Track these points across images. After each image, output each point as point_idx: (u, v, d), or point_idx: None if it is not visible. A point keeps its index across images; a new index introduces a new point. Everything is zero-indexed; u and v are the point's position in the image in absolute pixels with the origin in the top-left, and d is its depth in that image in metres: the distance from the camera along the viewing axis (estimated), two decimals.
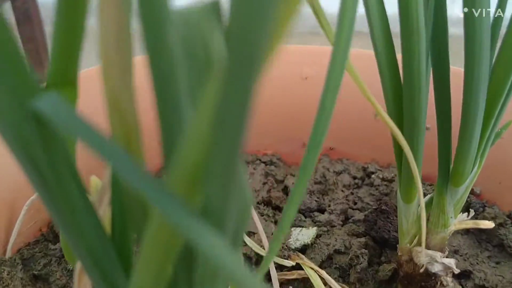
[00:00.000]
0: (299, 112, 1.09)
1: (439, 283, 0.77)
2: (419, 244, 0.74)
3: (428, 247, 0.73)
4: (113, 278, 0.30)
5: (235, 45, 0.16)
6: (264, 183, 1.05)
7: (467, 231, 0.94)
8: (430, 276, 0.75)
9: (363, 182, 1.05)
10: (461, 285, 0.85)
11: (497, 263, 0.90)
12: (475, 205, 0.95)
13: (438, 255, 0.70)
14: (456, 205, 0.70)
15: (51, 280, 0.83)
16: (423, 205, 0.69)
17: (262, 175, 1.07)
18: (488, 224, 0.72)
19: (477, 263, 0.88)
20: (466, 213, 0.76)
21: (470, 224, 0.71)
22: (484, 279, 0.84)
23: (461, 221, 0.74)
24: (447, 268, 0.71)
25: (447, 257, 0.74)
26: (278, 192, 1.01)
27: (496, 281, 0.85)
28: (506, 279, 0.86)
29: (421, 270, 0.71)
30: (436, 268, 0.71)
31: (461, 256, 0.89)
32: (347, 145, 1.09)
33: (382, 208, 0.87)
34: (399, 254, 0.78)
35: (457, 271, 0.71)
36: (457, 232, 0.94)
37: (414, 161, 0.62)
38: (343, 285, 0.82)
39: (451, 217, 0.71)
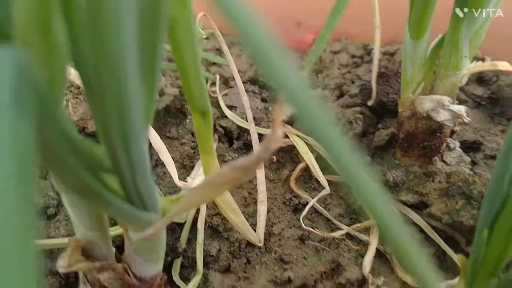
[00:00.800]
0: None
1: (444, 144, 0.67)
2: (423, 93, 0.64)
3: (434, 94, 0.63)
4: None
5: None
6: (252, 64, 0.95)
7: (478, 104, 0.83)
8: (434, 134, 0.64)
9: (362, 61, 0.94)
10: (469, 157, 0.74)
11: None
12: (488, 74, 0.83)
13: (446, 100, 0.59)
14: (473, 40, 0.58)
15: None
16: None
17: (250, 56, 0.97)
18: (507, 66, 0.60)
19: (488, 135, 0.78)
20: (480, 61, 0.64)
21: (488, 66, 0.60)
22: (497, 150, 0.74)
23: (474, 66, 0.62)
24: (456, 116, 0.60)
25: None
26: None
27: None
28: None
29: (424, 115, 0.60)
30: (442, 116, 0.60)
31: (473, 130, 0.79)
32: (346, 23, 0.97)
33: (381, 71, 0.76)
34: (400, 110, 0.67)
35: (467, 119, 0.60)
36: (467, 105, 0.83)
37: None
38: None
39: (465, 56, 0.59)
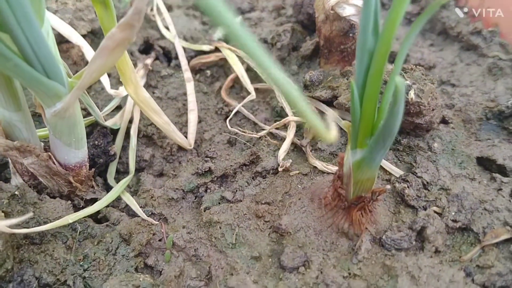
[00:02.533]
0: None
1: None
2: None
3: None
4: None
5: None
6: None
7: (409, 21, 0.86)
8: (347, 35, 0.67)
9: None
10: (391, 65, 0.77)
11: (441, 50, 0.82)
12: None
13: None
14: None
15: None
16: None
17: None
18: None
19: (416, 48, 0.81)
20: None
21: None
22: (421, 59, 0.77)
23: None
24: (360, 11, 0.63)
25: None
26: None
27: (434, 61, 0.77)
28: (446, 61, 0.79)
29: (332, 12, 0.63)
30: (347, 11, 0.63)
31: (401, 43, 0.82)
32: None
33: None
34: (316, 16, 0.70)
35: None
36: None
37: None
38: None
39: None
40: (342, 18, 0.64)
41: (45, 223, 0.55)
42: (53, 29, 0.73)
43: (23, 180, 0.59)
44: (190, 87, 0.72)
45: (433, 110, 0.57)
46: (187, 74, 0.74)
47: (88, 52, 0.72)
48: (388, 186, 0.51)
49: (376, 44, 0.44)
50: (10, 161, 0.59)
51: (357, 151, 0.46)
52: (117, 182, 0.65)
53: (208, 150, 0.65)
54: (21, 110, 0.54)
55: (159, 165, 0.68)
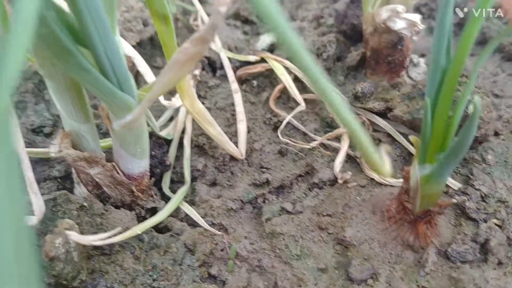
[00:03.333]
0: None
1: (408, 59, 0.72)
2: (381, 6, 0.68)
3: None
4: None
5: None
6: (234, 2, 0.98)
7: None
8: (396, 47, 0.69)
9: None
10: None
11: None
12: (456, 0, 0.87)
13: (399, 7, 0.63)
14: None
15: None
16: None
17: None
18: None
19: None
20: None
21: None
22: (464, 69, 0.78)
23: None
24: (411, 24, 0.65)
25: None
26: (246, 4, 0.94)
27: (477, 71, 0.79)
28: (488, 71, 0.80)
29: (382, 26, 0.65)
30: (398, 25, 0.64)
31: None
32: None
33: None
34: (364, 28, 0.71)
35: (422, 26, 0.64)
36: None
37: None
38: None
39: None
40: (392, 31, 0.66)
41: (114, 235, 0.57)
42: None
43: (87, 189, 0.61)
44: (238, 98, 0.74)
45: (488, 123, 0.59)
46: (234, 86, 0.76)
47: (140, 62, 0.74)
48: (454, 200, 0.53)
49: (449, 63, 0.46)
50: (74, 171, 0.61)
51: (426, 166, 0.48)
52: (171, 191, 0.67)
53: (262, 161, 0.67)
54: (89, 122, 0.55)
55: (212, 174, 0.70)
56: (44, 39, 0.37)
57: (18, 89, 0.76)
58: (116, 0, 0.50)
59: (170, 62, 0.46)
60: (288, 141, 0.68)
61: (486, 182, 0.58)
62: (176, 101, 0.73)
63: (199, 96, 0.77)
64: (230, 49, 0.84)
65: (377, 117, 0.67)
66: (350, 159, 0.66)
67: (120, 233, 0.56)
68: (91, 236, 0.48)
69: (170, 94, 0.76)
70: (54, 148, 0.50)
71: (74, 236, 0.47)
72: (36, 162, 0.63)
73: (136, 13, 0.82)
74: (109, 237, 0.53)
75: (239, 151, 0.70)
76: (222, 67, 0.83)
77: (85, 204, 0.58)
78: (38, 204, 0.50)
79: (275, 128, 0.74)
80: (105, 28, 0.42)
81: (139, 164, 0.60)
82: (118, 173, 0.59)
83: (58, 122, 0.72)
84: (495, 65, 0.81)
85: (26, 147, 0.63)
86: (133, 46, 0.79)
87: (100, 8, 0.40)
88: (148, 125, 0.68)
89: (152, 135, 0.70)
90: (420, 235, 0.52)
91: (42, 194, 0.61)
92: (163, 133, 0.71)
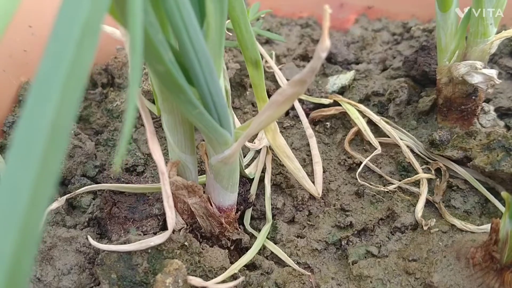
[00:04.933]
0: None
1: (480, 108, 0.75)
2: (458, 60, 0.72)
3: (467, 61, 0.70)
4: None
5: None
6: (300, 43, 1.03)
7: (511, 76, 0.90)
8: (470, 97, 0.72)
9: (402, 38, 1.01)
10: (503, 121, 0.82)
11: None
12: None
13: (478, 64, 0.67)
14: (496, 7, 0.66)
15: (92, 120, 0.85)
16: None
17: (297, 36, 1.05)
18: None
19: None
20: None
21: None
22: None
23: (501, 33, 0.70)
24: (488, 79, 0.68)
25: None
26: (312, 44, 0.99)
27: None
28: None
29: (460, 79, 0.68)
30: (476, 79, 0.68)
31: (508, 98, 0.86)
32: (386, 2, 1.05)
33: (423, 45, 0.84)
34: (438, 77, 0.75)
35: (498, 81, 0.68)
36: (501, 76, 0.91)
37: None
38: (384, 118, 0.81)
39: (491, 24, 0.67)
40: (467, 83, 0.69)
41: (210, 271, 0.61)
42: None
43: (183, 218, 0.66)
44: (313, 142, 0.78)
45: None
46: (309, 131, 0.80)
47: None
48: None
49: None
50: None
51: None
52: (252, 227, 0.71)
53: (341, 202, 0.71)
54: (194, 154, 0.61)
55: (290, 212, 0.74)
56: (161, 76, 0.42)
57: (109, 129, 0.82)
58: (223, 46, 0.56)
59: (268, 103, 0.50)
60: (365, 183, 0.72)
61: None
62: (258, 142, 0.78)
63: None
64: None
65: (455, 164, 0.70)
66: (428, 204, 0.69)
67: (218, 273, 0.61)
68: (203, 281, 0.53)
69: (252, 137, 0.81)
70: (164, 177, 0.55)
71: (194, 280, 0.51)
72: (137, 200, 0.68)
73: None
74: (217, 283, 0.57)
75: (316, 189, 0.74)
76: (293, 107, 0.88)
77: (186, 243, 0.63)
78: (172, 217, 0.55)
79: (350, 169, 0.78)
80: (210, 69, 0.47)
81: (229, 197, 0.65)
82: (211, 204, 0.64)
83: (149, 160, 0.77)
84: None
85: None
86: None
87: (205, 51, 0.45)
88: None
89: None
90: (506, 284, 0.54)
91: (145, 233, 0.66)
92: (246, 172, 0.76)
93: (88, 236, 0.63)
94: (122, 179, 0.71)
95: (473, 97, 0.72)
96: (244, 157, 0.77)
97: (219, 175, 0.62)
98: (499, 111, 0.83)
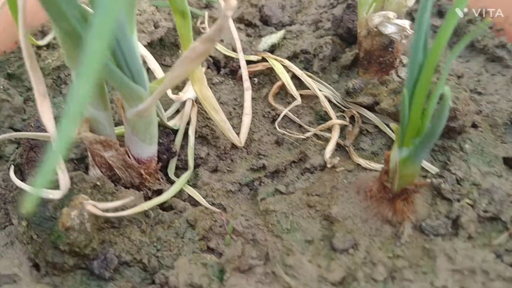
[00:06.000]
0: None
1: (398, 60, 0.78)
2: (375, 11, 0.74)
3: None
4: None
5: None
6: (239, 7, 1.05)
7: (434, 33, 0.93)
8: (387, 49, 0.75)
9: (338, 2, 1.04)
10: None
11: (467, 61, 0.89)
12: (444, 6, 0.93)
13: (390, 14, 0.70)
14: None
15: (24, 77, 0.87)
16: None
17: (237, 0, 1.07)
18: None
19: (443, 59, 0.88)
20: None
21: None
22: (450, 69, 0.84)
23: None
24: (401, 29, 0.71)
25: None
26: (250, 9, 1.01)
27: (462, 71, 0.85)
28: (472, 71, 0.86)
29: (375, 30, 0.71)
30: (389, 29, 0.71)
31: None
32: None
33: (349, 3, 0.87)
34: (358, 31, 0.78)
35: (410, 31, 0.70)
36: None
37: None
38: (307, 72, 0.84)
39: None
40: (383, 34, 0.72)
41: (123, 210, 0.63)
42: None
43: (101, 171, 0.68)
44: (248, 95, 0.80)
45: (465, 115, 0.65)
46: (247, 84, 0.82)
47: (150, 60, 0.81)
48: (429, 180, 0.59)
49: (425, 59, 0.52)
50: (90, 154, 0.67)
51: (404, 149, 0.54)
52: (176, 177, 0.73)
53: (260, 149, 0.73)
54: (107, 110, 0.62)
55: (213, 162, 0.76)
56: (69, 34, 0.44)
57: None
58: (135, 2, 0.57)
59: (180, 58, 0.53)
60: (285, 132, 0.75)
61: (462, 167, 0.64)
62: (183, 95, 0.80)
63: None
64: (234, 50, 0.91)
65: (366, 110, 0.73)
66: (340, 148, 0.72)
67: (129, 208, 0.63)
68: (102, 204, 0.55)
69: (178, 89, 0.83)
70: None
71: (90, 204, 0.53)
72: None
73: (148, 16, 0.89)
74: (120, 210, 0.59)
75: (239, 139, 0.76)
76: (226, 65, 0.90)
77: (98, 183, 0.65)
78: (65, 179, 0.57)
79: (273, 121, 0.80)
80: (122, 26, 0.49)
81: (148, 150, 0.67)
82: (129, 157, 0.66)
83: None
84: (480, 66, 0.86)
85: None
86: (145, 46, 0.86)
87: (113, 4, 0.47)
88: (157, 115, 0.74)
89: (160, 125, 0.77)
90: (398, 211, 0.57)
91: None
92: (170, 124, 0.77)
93: (11, 171, 0.64)
94: (42, 127, 0.72)
95: (390, 49, 0.75)
96: (168, 109, 0.79)
97: (136, 128, 0.63)
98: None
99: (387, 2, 0.73)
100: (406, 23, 0.71)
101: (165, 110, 0.79)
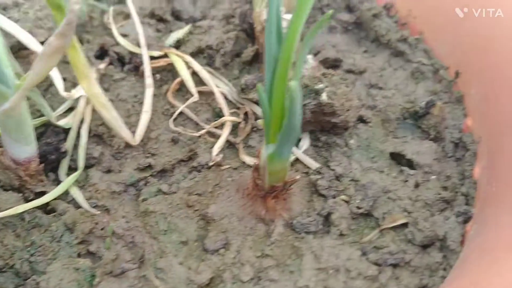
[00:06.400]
0: None
1: None
2: (266, 6, 0.73)
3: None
4: None
5: None
6: (154, 1, 1.03)
7: (346, 30, 0.93)
8: None
9: None
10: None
11: (373, 56, 0.89)
12: (353, 0, 0.93)
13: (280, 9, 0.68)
14: None
15: None
16: None
17: None
18: None
19: (349, 54, 0.88)
20: None
21: None
22: (353, 64, 0.84)
23: None
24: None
25: None
26: (162, 4, 0.98)
27: (365, 66, 0.85)
28: (376, 66, 0.86)
29: (264, 25, 0.70)
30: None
31: (337, 50, 0.89)
32: None
33: None
34: (255, 27, 0.77)
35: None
36: (336, 30, 0.93)
37: None
38: (209, 69, 0.82)
39: None
40: None
41: None
42: (13, 36, 0.79)
43: None
44: (149, 92, 0.78)
45: (347, 110, 0.64)
46: (149, 80, 0.79)
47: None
48: (298, 177, 0.58)
49: (280, 51, 0.51)
50: None
51: (269, 145, 0.53)
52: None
53: (153, 148, 0.71)
54: None
55: (108, 162, 0.73)
56: None
57: None
58: None
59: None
60: (179, 130, 0.73)
61: (342, 163, 0.64)
62: (75, 92, 0.77)
63: (103, 89, 0.81)
64: (138, 45, 0.88)
65: (257, 106, 0.72)
66: (231, 145, 0.71)
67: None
68: None
69: (72, 86, 0.81)
70: None
71: None
72: None
73: (48, 12, 0.86)
74: None
75: (132, 137, 0.74)
76: (130, 62, 0.88)
77: None
78: None
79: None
80: None
81: (25, 150, 0.64)
82: (5, 158, 0.63)
83: None
84: (385, 61, 0.86)
85: None
86: (42, 42, 0.83)
87: None
88: (44, 114, 0.72)
89: (49, 124, 0.74)
90: (270, 209, 0.57)
91: None
92: (61, 122, 0.75)
93: None
94: None
95: None
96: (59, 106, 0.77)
97: (7, 128, 0.61)
98: (327, 63, 0.85)
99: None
100: None
101: (58, 108, 0.77)
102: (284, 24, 0.69)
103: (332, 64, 0.86)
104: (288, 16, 0.70)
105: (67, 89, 0.79)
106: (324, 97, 0.61)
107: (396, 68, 0.84)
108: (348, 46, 0.91)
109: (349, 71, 0.84)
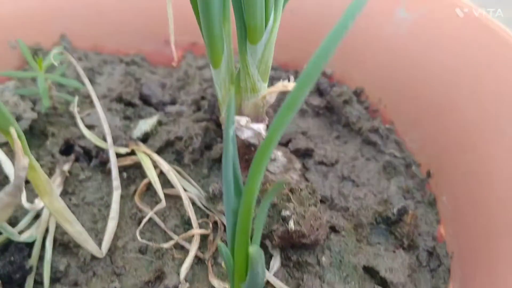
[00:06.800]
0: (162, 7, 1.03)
1: None
2: (235, 113, 0.72)
3: (242, 115, 0.70)
4: None
5: None
6: (122, 82, 1.01)
7: (317, 114, 0.92)
8: (250, 148, 0.72)
9: None
10: (303, 164, 0.83)
11: (345, 142, 0.88)
12: (323, 84, 0.92)
13: (243, 119, 0.67)
14: (260, 66, 0.66)
15: None
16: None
17: (121, 75, 1.03)
18: (291, 86, 0.68)
19: (322, 142, 0.87)
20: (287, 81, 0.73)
21: (280, 87, 0.68)
22: (324, 156, 0.83)
23: (271, 88, 0.70)
24: (258, 134, 0.68)
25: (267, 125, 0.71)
26: (129, 87, 0.96)
27: (337, 157, 0.84)
28: (348, 156, 0.85)
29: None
30: (245, 134, 0.68)
31: (308, 137, 0.88)
32: None
33: None
34: (222, 128, 0.75)
35: (265, 135, 0.68)
36: (307, 114, 0.92)
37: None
38: (177, 167, 0.80)
39: (259, 81, 0.67)
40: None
41: None
42: None
43: None
44: (116, 195, 0.76)
45: (317, 229, 0.63)
46: (116, 182, 0.77)
47: (6, 164, 0.75)
48: None
49: (240, 205, 0.49)
50: None
51: None
52: None
53: (116, 266, 0.69)
54: None
55: (74, 275, 0.71)
56: None
57: None
58: None
59: None
60: (147, 242, 0.71)
61: (315, 286, 0.62)
62: (38, 203, 0.75)
63: (67, 193, 0.79)
64: (104, 139, 0.86)
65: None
66: (201, 261, 0.69)
67: None
68: None
69: (35, 196, 0.78)
70: None
71: None
72: None
73: (10, 108, 0.83)
74: None
75: (98, 249, 0.71)
76: (96, 156, 0.85)
77: None
78: None
79: (140, 224, 0.76)
80: None
81: None
82: None
83: None
84: (356, 149, 0.85)
85: None
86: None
87: None
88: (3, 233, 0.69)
89: (10, 242, 0.71)
90: None
91: None
92: (25, 235, 0.72)
93: None
94: None
95: (253, 148, 0.72)
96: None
97: None
98: (299, 152, 0.84)
99: (243, 103, 0.70)
100: (261, 127, 0.69)
101: (22, 220, 0.74)
102: (250, 133, 0.68)
103: (304, 153, 0.85)
104: (255, 126, 0.69)
105: (30, 199, 0.76)
106: (291, 225, 0.60)
107: (369, 158, 0.84)
108: (320, 131, 0.90)
109: (320, 163, 0.83)
